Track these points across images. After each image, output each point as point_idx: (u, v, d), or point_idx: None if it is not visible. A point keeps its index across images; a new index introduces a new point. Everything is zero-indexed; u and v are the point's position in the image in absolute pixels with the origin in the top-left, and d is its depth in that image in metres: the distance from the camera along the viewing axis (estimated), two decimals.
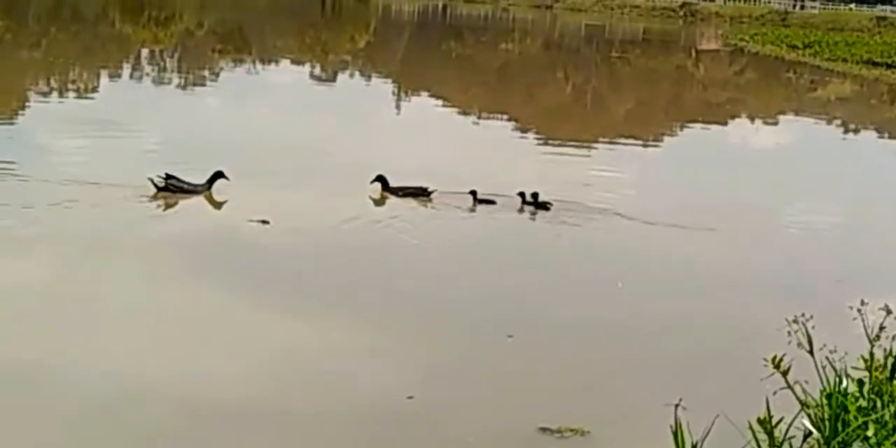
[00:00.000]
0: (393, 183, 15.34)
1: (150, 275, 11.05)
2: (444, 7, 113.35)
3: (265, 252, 12.20)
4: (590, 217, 15.02)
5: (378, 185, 15.32)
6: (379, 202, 15.18)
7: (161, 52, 41.70)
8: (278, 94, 29.89)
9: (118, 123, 20.00)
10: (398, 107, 29.04)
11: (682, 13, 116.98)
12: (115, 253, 11.64)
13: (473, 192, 15.13)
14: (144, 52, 40.86)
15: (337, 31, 65.51)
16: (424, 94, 32.49)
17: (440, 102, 30.26)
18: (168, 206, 13.85)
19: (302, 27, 66.76)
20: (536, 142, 23.02)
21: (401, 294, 11.15)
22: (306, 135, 21.39)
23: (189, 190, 14.34)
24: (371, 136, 22.19)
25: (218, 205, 14.23)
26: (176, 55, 41.14)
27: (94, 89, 27.30)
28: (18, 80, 27.84)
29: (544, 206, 15.11)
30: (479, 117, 27.08)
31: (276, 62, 41.36)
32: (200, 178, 14.38)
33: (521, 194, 15.14)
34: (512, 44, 63.41)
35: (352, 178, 15.73)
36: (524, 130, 25.03)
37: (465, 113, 27.84)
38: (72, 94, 25.88)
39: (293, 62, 41.61)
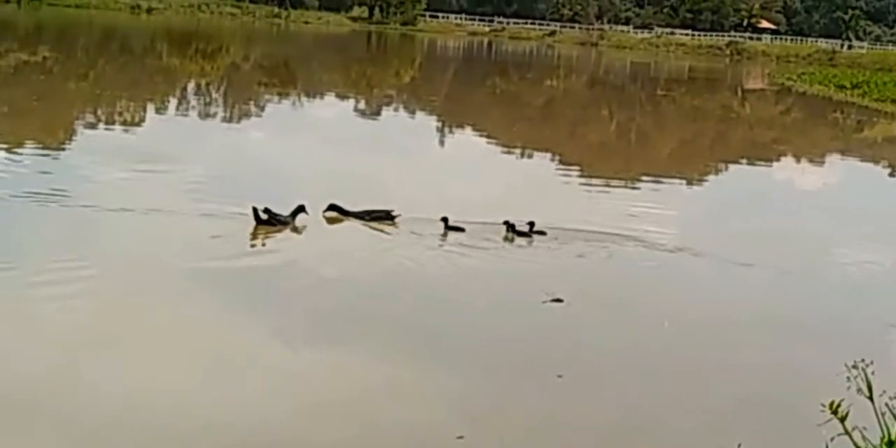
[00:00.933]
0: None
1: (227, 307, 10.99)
2: (490, 43, 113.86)
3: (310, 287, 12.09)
4: (636, 251, 14.87)
5: (333, 214, 15.35)
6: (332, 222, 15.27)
7: (207, 84, 41.99)
8: (323, 128, 29.92)
9: (163, 155, 20.06)
10: (442, 142, 28.98)
11: (728, 52, 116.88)
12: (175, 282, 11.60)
13: (445, 219, 14.93)
14: (191, 84, 41.16)
15: (382, 66, 65.79)
16: (468, 129, 32.44)
17: (484, 138, 30.18)
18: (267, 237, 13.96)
19: (347, 61, 67.13)
20: (580, 178, 22.85)
21: (445, 330, 10.99)
22: (349, 168, 21.36)
23: (283, 222, 14.43)
24: (414, 170, 22.16)
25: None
26: (222, 88, 41.41)
27: (141, 121, 27.45)
28: (66, 111, 28.05)
29: (540, 233, 15.12)
30: (522, 153, 26.97)
31: (322, 96, 41.54)
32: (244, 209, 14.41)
33: (507, 223, 15.05)
34: (556, 80, 63.49)
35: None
36: (568, 166, 24.88)
37: (508, 148, 27.73)
38: (118, 126, 26.02)
39: (338, 96, 41.76)
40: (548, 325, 11.35)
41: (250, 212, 14.13)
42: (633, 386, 9.72)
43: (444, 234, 14.86)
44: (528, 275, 13.43)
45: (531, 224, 15.17)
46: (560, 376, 9.55)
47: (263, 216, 14.16)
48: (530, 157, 26.43)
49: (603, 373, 10.01)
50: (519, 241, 14.96)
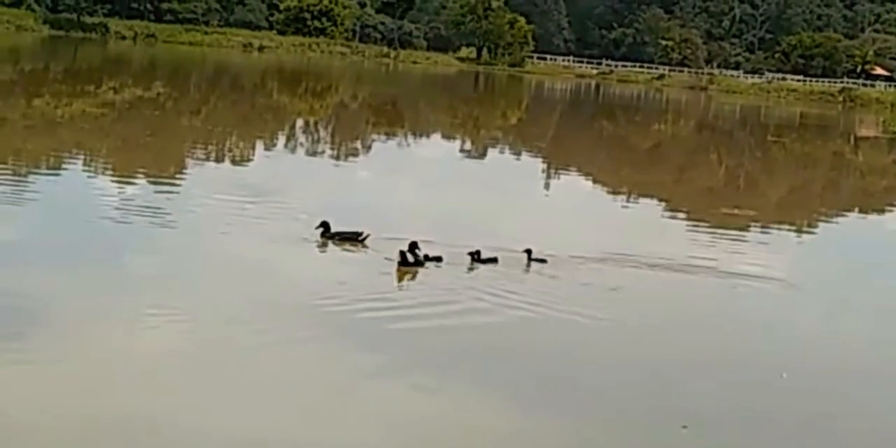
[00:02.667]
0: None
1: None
2: (597, 85, 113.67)
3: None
4: (745, 298, 14.65)
5: (321, 231, 15.75)
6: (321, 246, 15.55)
7: (316, 123, 42.45)
8: (429, 167, 30.04)
9: (271, 191, 20.27)
10: (547, 184, 28.87)
11: (840, 98, 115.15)
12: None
13: (477, 252, 15.11)
14: (300, 122, 41.67)
15: (489, 107, 65.99)
16: (574, 172, 32.29)
17: (590, 181, 30.00)
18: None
19: (454, 102, 67.47)
20: (686, 223, 22.55)
21: (561, 376, 10.85)
22: (454, 208, 21.39)
23: (420, 263, 14.64)
24: (518, 211, 22.04)
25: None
26: (330, 126, 41.82)
27: (250, 158, 27.81)
28: (178, 146, 28.53)
29: (541, 261, 15.27)
30: (628, 197, 26.73)
31: (428, 136, 41.73)
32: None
33: (528, 251, 15.33)
34: (664, 124, 63.07)
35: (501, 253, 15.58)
36: (674, 211, 24.59)
37: (614, 192, 27.52)
38: (227, 162, 26.38)
39: (445, 137, 41.93)
40: (668, 373, 11.17)
41: (396, 255, 14.27)
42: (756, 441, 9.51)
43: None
44: (639, 324, 13.20)
45: (528, 251, 15.30)
46: (685, 427, 9.40)
47: (410, 258, 14.28)
48: (636, 200, 26.17)
49: (728, 424, 9.80)
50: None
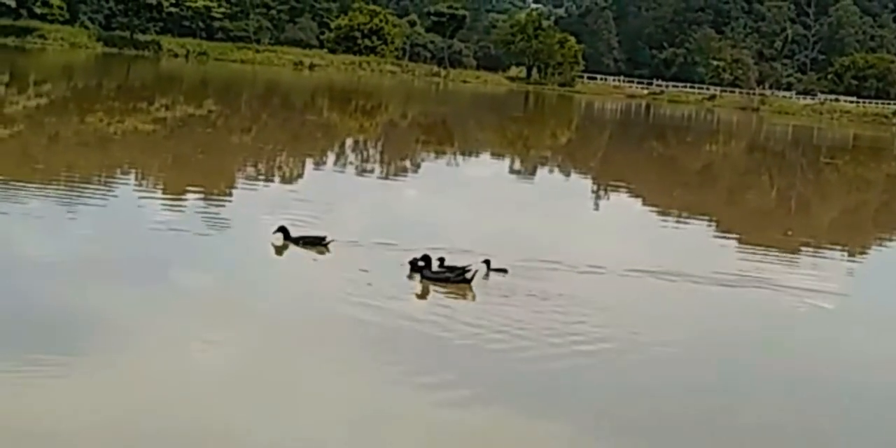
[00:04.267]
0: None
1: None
2: (648, 106, 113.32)
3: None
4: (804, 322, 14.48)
5: (280, 235, 16.01)
6: (280, 250, 15.80)
7: (365, 141, 42.54)
8: (477, 186, 29.95)
9: (320, 208, 20.27)
10: (597, 204, 28.72)
11: (895, 120, 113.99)
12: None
13: (487, 261, 15.30)
14: (349, 140, 41.77)
15: (539, 127, 65.92)
16: (624, 192, 32.09)
17: (640, 201, 29.81)
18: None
19: (504, 122, 67.45)
20: (737, 245, 22.32)
21: (667, 410, 10.69)
22: (502, 226, 21.31)
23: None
24: (568, 232, 21.92)
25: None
26: (379, 145, 41.89)
27: (299, 175, 27.88)
28: (228, 163, 28.66)
29: (502, 270, 15.26)
30: (678, 218, 26.51)
31: (477, 155, 41.68)
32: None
33: (487, 262, 15.34)
34: (716, 145, 62.68)
35: (552, 274, 15.48)
36: (725, 233, 24.38)
37: (664, 213, 27.31)
38: (277, 180, 26.45)
39: (494, 156, 41.86)
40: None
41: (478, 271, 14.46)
42: None
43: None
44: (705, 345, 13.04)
45: (487, 262, 15.28)
46: None
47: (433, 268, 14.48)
48: (686, 221, 25.96)
49: None
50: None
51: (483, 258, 15.31)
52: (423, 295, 14.00)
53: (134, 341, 10.96)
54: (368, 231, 18.07)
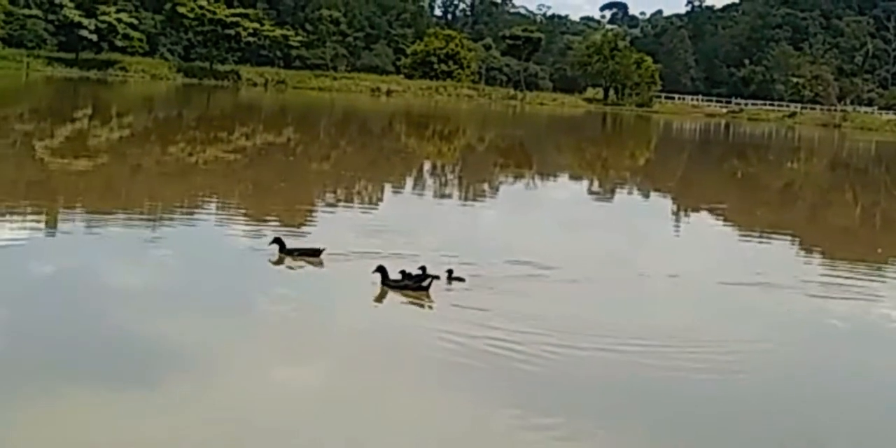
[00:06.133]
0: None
1: None
2: (727, 124, 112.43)
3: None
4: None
5: (276, 247, 16.33)
6: (277, 262, 16.11)
7: (443, 165, 42.63)
8: (555, 208, 29.87)
9: (400, 232, 20.29)
10: (677, 225, 28.46)
11: None
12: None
13: (449, 271, 15.45)
14: (427, 165, 41.88)
15: (617, 148, 65.65)
16: (704, 212, 31.78)
17: (720, 221, 29.47)
18: None
19: (582, 143, 67.31)
20: (821, 263, 21.98)
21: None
22: (585, 248, 21.20)
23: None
24: (649, 253, 21.72)
25: None
26: (457, 168, 41.95)
27: (379, 201, 27.98)
28: (308, 190, 28.85)
29: (459, 279, 15.34)
30: (760, 236, 26.16)
31: (555, 177, 41.57)
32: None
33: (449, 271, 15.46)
34: (797, 163, 61.95)
35: (633, 297, 15.35)
36: (808, 251, 24.04)
37: (746, 232, 26.97)
38: (357, 206, 26.55)
39: (572, 178, 41.74)
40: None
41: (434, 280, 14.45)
42: None
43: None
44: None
45: (450, 271, 15.39)
46: None
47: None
48: (769, 240, 25.61)
49: None
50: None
51: (447, 268, 15.54)
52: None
53: (218, 369, 11.03)
54: (450, 253, 18.01)
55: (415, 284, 14.67)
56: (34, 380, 10.14)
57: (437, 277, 14.96)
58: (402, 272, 14.93)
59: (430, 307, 14.06)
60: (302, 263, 16.24)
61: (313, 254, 16.36)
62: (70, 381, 10.22)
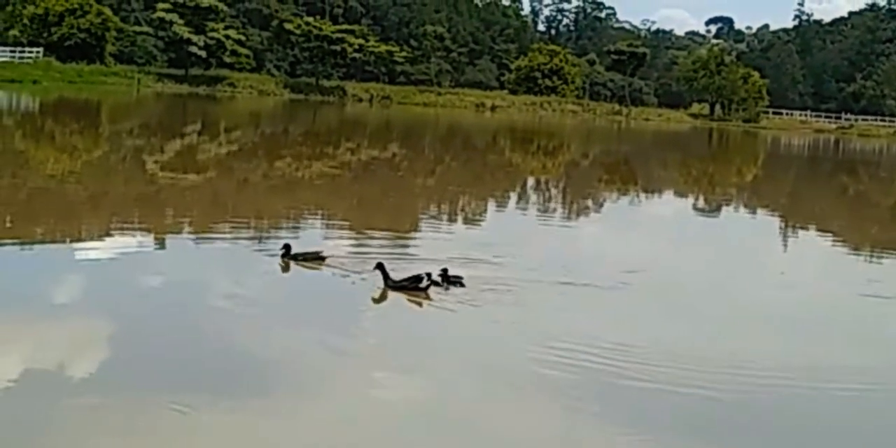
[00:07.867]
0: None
1: None
2: (837, 140, 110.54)
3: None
4: None
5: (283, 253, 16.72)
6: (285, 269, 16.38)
7: (547, 181, 42.54)
8: (660, 225, 29.61)
9: (506, 247, 20.24)
10: (785, 243, 28.01)
11: None
12: None
13: (444, 270, 15.51)
14: (531, 180, 41.84)
15: (723, 164, 64.90)
16: (813, 229, 31.25)
17: (830, 238, 28.95)
18: None
19: (688, 159, 66.71)
20: None
21: None
22: (689, 266, 21.00)
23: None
24: (756, 272, 21.41)
25: None
26: (561, 184, 41.83)
27: (483, 217, 28.00)
28: (412, 205, 29.00)
29: (458, 283, 15.36)
30: (871, 254, 25.64)
31: (660, 194, 41.22)
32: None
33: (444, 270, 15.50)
34: None
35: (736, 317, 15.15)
36: None
37: (856, 250, 26.46)
38: (461, 221, 26.61)
39: (677, 194, 41.36)
40: None
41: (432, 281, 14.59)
42: None
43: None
44: None
45: (444, 270, 15.45)
46: None
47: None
48: (880, 260, 25.08)
49: None
50: None
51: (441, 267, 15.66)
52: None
53: (321, 385, 11.11)
54: (551, 268, 17.95)
55: (411, 285, 14.95)
56: (161, 390, 10.34)
57: (437, 283, 15.15)
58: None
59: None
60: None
61: (316, 257, 16.67)
62: (193, 391, 10.38)
